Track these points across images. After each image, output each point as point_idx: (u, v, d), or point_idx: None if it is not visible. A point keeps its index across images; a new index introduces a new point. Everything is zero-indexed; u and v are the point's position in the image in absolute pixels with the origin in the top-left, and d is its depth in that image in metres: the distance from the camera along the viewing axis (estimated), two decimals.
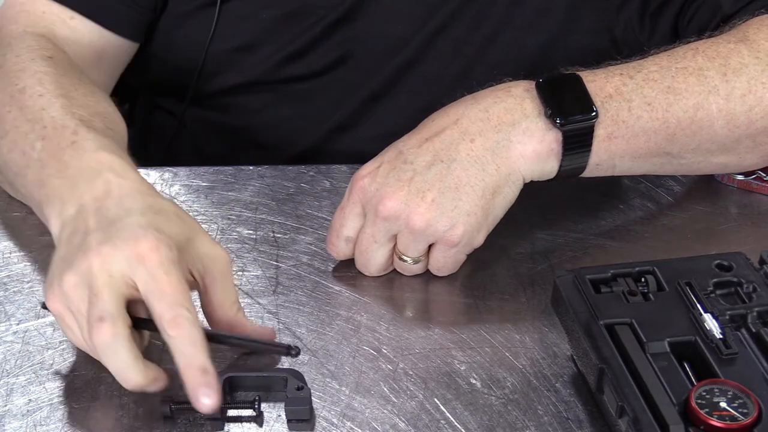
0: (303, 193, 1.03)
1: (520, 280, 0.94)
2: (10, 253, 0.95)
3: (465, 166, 0.90)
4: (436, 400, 0.83)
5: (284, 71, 1.13)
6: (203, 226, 0.97)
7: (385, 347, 0.87)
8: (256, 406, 0.81)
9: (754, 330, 0.79)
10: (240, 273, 0.93)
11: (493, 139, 0.91)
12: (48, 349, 0.86)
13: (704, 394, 0.74)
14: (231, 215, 1.00)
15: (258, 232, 0.98)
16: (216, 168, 1.06)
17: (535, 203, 1.01)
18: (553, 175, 0.93)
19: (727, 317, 0.79)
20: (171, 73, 1.16)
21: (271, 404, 0.82)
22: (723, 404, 0.73)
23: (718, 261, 0.84)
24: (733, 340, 0.78)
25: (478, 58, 1.11)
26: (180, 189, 1.03)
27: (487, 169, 0.90)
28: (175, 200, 1.02)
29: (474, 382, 0.84)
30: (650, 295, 0.82)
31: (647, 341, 0.78)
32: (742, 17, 1.02)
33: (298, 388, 0.81)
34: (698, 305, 0.80)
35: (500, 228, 0.94)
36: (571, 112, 0.91)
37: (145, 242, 0.78)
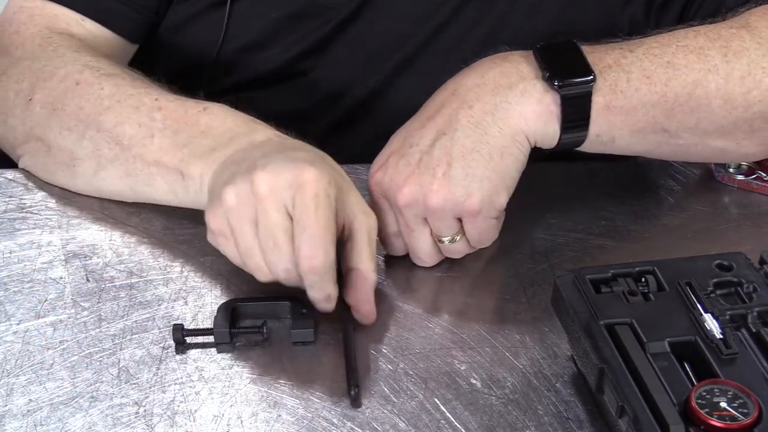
0: None
1: (520, 280, 0.94)
2: (10, 253, 0.95)
3: (467, 133, 0.90)
4: (436, 400, 0.83)
5: (292, 69, 1.13)
6: (203, 226, 0.98)
7: (385, 347, 0.87)
8: (263, 331, 0.87)
9: (754, 330, 0.79)
10: (240, 273, 0.93)
11: (491, 102, 0.91)
12: (48, 349, 0.86)
13: (704, 394, 0.74)
14: None
15: None
16: None
17: (536, 203, 1.01)
18: (555, 139, 0.92)
19: (727, 317, 0.79)
20: (179, 71, 1.16)
21: (277, 329, 0.87)
22: (723, 404, 0.73)
23: (718, 261, 0.84)
24: (733, 340, 0.78)
25: (477, 55, 1.11)
26: None
27: (489, 132, 0.90)
28: None
29: (474, 382, 0.84)
30: (650, 295, 0.82)
31: (647, 341, 0.78)
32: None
33: (302, 313, 0.87)
34: (698, 305, 0.80)
35: (501, 228, 0.94)
36: (568, 75, 0.91)
37: (308, 173, 0.84)
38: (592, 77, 0.91)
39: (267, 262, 0.85)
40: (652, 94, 0.93)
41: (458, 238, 0.92)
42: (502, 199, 0.91)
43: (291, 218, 0.84)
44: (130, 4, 1.10)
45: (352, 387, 0.82)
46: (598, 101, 0.92)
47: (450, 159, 0.89)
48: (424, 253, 0.93)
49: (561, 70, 0.92)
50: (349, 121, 1.15)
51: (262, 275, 0.87)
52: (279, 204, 0.84)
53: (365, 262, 0.87)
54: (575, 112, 0.92)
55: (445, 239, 0.92)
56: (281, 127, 1.15)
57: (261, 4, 1.11)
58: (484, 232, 0.92)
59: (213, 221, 0.87)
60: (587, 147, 0.94)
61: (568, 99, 0.91)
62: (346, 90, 1.13)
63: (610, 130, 0.94)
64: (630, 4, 1.11)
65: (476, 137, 0.90)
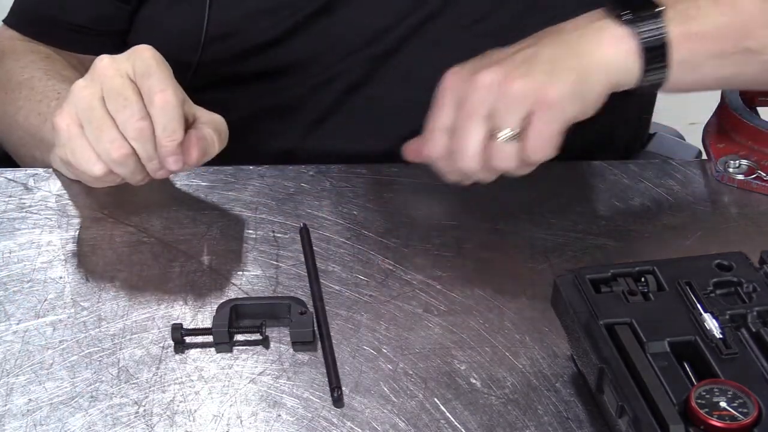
0: (303, 193, 1.03)
1: (520, 280, 0.94)
2: (10, 253, 0.95)
3: (553, 48, 0.92)
4: (436, 400, 0.83)
5: (253, 63, 1.13)
6: (203, 226, 0.98)
7: (385, 347, 0.87)
8: (262, 331, 0.87)
9: (754, 330, 0.79)
10: (240, 273, 0.94)
11: (572, 36, 0.93)
12: (48, 349, 0.86)
13: (704, 393, 0.74)
14: (231, 215, 1.00)
15: (258, 232, 0.98)
16: (216, 168, 1.06)
17: (536, 203, 1.01)
18: (636, 73, 0.93)
19: (727, 317, 0.79)
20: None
21: (276, 328, 0.87)
22: (723, 404, 0.73)
23: (718, 261, 0.84)
24: (733, 340, 0.78)
25: (460, 50, 1.10)
26: (180, 189, 1.03)
27: (573, 50, 0.92)
28: (175, 200, 1.02)
29: (474, 382, 0.84)
30: (650, 295, 0.82)
31: (647, 341, 0.78)
32: None
33: (302, 313, 0.87)
34: (698, 305, 0.80)
35: (500, 228, 0.94)
36: (639, 11, 0.92)
37: (143, 46, 0.92)
38: (662, 8, 0.93)
39: (120, 125, 0.89)
40: (723, 15, 0.94)
41: (516, 137, 0.90)
42: (576, 108, 0.91)
43: (135, 84, 0.90)
44: (93, 29, 1.17)
45: (334, 389, 0.82)
46: (673, 30, 0.93)
47: (535, 60, 0.90)
48: (470, 152, 0.91)
49: (633, 7, 0.93)
50: (329, 114, 1.14)
51: (115, 149, 0.90)
52: (120, 71, 0.90)
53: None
54: (653, 44, 0.92)
55: (502, 134, 0.90)
56: (260, 126, 1.16)
57: None
58: (543, 137, 0.90)
59: (60, 119, 0.92)
60: (675, 81, 0.94)
61: (643, 33, 0.92)
62: (324, 85, 1.13)
63: (692, 56, 0.94)
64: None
65: (562, 51, 0.91)
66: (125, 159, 0.91)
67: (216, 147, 0.95)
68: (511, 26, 1.09)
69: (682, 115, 1.51)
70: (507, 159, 0.91)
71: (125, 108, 0.89)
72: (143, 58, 0.91)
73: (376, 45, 1.11)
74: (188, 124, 0.93)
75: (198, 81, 1.13)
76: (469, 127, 0.91)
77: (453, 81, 0.93)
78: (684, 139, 1.38)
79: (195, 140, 0.92)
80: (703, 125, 1.12)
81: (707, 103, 1.17)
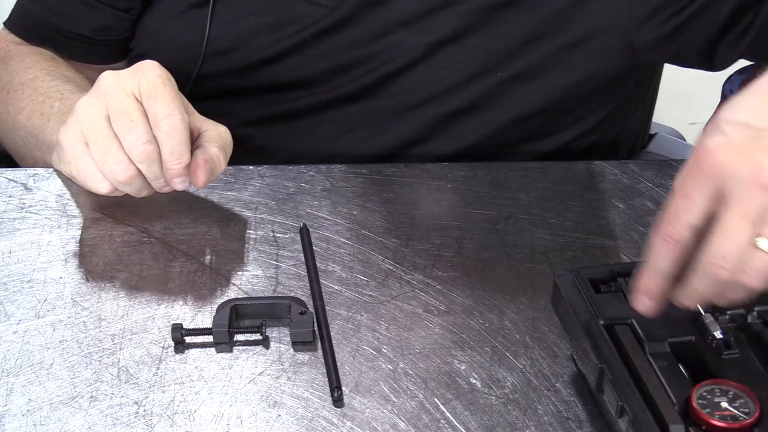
0: (303, 193, 1.03)
1: (520, 280, 0.94)
2: (10, 252, 0.95)
3: None
4: (436, 399, 0.83)
5: (255, 77, 1.12)
6: (203, 226, 0.98)
7: (385, 347, 0.87)
8: (263, 331, 0.87)
9: (754, 330, 0.79)
10: (240, 273, 0.94)
11: None
12: (48, 349, 0.86)
13: (705, 394, 0.74)
14: (231, 215, 1.00)
15: (258, 232, 0.98)
16: None
17: (535, 203, 1.01)
18: None
19: (727, 317, 0.79)
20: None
21: (276, 328, 0.88)
22: (724, 404, 0.73)
23: None
24: (734, 340, 0.78)
25: (476, 69, 1.10)
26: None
27: None
28: (175, 200, 1.02)
29: (474, 381, 0.84)
30: None
31: (647, 341, 0.78)
32: None
33: (302, 313, 0.87)
34: (698, 305, 0.80)
35: (500, 228, 0.94)
36: None
37: (147, 63, 0.91)
38: None
39: (126, 148, 0.89)
40: None
41: None
42: None
43: (140, 104, 0.89)
44: (94, 39, 1.18)
45: (334, 389, 0.82)
46: None
47: None
48: (733, 255, 0.72)
49: None
50: (334, 122, 1.14)
51: (121, 171, 0.89)
52: (126, 90, 0.89)
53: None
54: None
55: (764, 242, 0.71)
56: (268, 140, 1.16)
57: (239, 8, 1.11)
58: None
59: (65, 137, 0.91)
60: None
61: None
62: (331, 100, 1.13)
63: None
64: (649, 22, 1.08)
65: None
66: (131, 180, 0.91)
67: (222, 166, 0.94)
68: (517, 38, 1.09)
69: (682, 115, 1.51)
70: (760, 273, 0.72)
71: (131, 130, 0.89)
72: (149, 77, 0.90)
73: (387, 65, 1.10)
74: (193, 138, 0.93)
75: (199, 91, 1.13)
76: (733, 231, 0.71)
77: (713, 165, 0.73)
78: (684, 139, 1.38)
79: (202, 162, 0.92)
80: (703, 125, 1.12)
81: (707, 103, 1.17)
